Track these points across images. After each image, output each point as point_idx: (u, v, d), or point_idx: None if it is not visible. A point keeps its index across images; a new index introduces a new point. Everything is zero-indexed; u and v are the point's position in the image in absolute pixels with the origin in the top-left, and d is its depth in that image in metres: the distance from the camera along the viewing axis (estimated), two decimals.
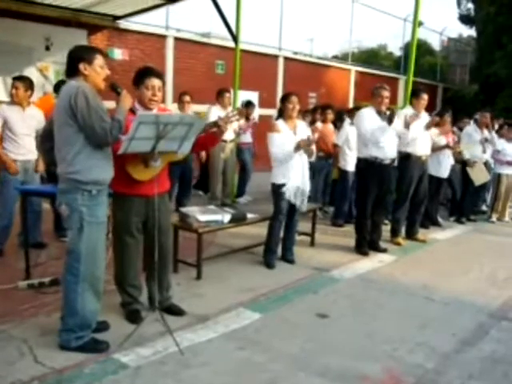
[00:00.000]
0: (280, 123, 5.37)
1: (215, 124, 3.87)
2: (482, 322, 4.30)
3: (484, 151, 8.36)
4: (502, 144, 8.48)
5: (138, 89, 3.69)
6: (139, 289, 4.02)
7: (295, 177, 5.34)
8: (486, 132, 8.43)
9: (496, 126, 9.33)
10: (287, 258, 5.69)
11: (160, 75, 3.77)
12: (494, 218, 8.63)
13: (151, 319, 3.74)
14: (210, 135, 3.92)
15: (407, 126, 6.10)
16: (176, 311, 4.08)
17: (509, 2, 20.07)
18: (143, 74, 3.71)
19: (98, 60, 3.34)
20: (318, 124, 8.08)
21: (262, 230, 5.79)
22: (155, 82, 3.69)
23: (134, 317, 3.88)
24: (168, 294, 4.11)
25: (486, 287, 5.24)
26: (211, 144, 4.02)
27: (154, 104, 3.72)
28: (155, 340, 3.59)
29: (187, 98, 7.72)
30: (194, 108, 8.23)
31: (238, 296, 4.58)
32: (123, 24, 11.23)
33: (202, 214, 5.15)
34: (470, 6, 26.37)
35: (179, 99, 7.82)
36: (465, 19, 26.78)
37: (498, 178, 8.57)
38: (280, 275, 5.25)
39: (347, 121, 7.70)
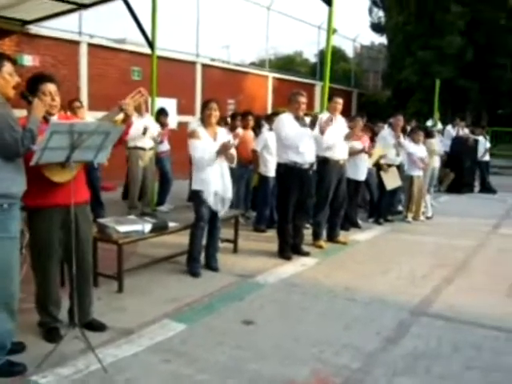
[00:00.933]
0: (200, 130, 5.32)
1: (121, 110, 3.73)
2: (403, 320, 4.43)
3: (398, 154, 8.66)
4: (411, 147, 8.81)
5: (33, 97, 3.39)
6: (59, 306, 3.84)
7: (215, 183, 5.31)
8: (401, 135, 8.73)
9: (408, 130, 9.70)
10: (211, 265, 5.63)
11: (54, 80, 3.59)
12: (410, 217, 8.95)
13: (71, 336, 3.57)
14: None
15: (322, 132, 6.21)
16: (97, 326, 3.92)
17: (416, 12, 21.04)
18: (37, 81, 3.51)
19: (7, 67, 3.15)
20: (239, 130, 8.08)
21: (184, 239, 5.69)
22: (51, 87, 3.52)
23: (52, 335, 3.70)
24: (89, 309, 3.95)
25: (405, 285, 5.41)
26: (125, 133, 3.82)
27: (55, 109, 3.55)
28: (76, 358, 3.43)
29: (77, 104, 7.37)
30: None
31: (162, 307, 4.47)
32: (33, 29, 10.78)
33: (121, 224, 5.00)
34: (381, 14, 27.48)
35: (69, 106, 7.34)
36: (376, 27, 27.89)
37: (410, 180, 8.89)
38: (204, 284, 5.18)
39: (265, 127, 7.74)
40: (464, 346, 3.95)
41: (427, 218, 9.28)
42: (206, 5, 15.68)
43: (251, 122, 8.19)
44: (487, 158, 13.87)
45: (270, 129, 7.40)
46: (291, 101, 6.18)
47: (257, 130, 8.04)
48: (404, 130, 9.16)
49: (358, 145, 7.74)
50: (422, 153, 8.92)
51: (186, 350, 3.68)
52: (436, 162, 10.13)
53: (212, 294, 4.89)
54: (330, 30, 7.09)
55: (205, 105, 5.43)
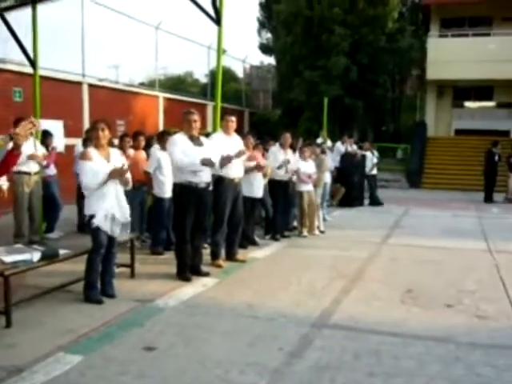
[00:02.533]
0: (92, 151, 5.11)
1: (11, 138, 3.51)
2: (305, 333, 4.46)
3: (286, 171, 8.78)
4: (300, 164, 9.03)
5: None
6: None
7: (110, 206, 5.11)
8: (289, 152, 8.91)
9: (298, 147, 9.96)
10: (107, 292, 5.37)
11: None
12: (305, 232, 9.14)
13: None
14: (8, 154, 3.57)
15: (221, 166, 6.27)
16: None
17: (302, 34, 21.82)
18: None
19: None
20: (130, 151, 7.87)
21: (78, 266, 5.41)
22: None
23: None
24: None
25: (305, 299, 5.47)
26: (12, 163, 3.61)
27: None
28: None
29: None
30: None
31: (57, 340, 4.19)
32: None
33: (7, 254, 4.67)
34: (269, 35, 28.26)
35: None
36: (265, 48, 28.65)
37: (300, 196, 9.09)
38: (101, 312, 4.93)
39: (156, 147, 7.57)
40: (365, 353, 4.04)
41: (321, 232, 9.51)
42: (92, 23, 15.27)
43: (142, 143, 7.99)
44: (375, 172, 14.56)
45: (162, 148, 7.25)
46: (184, 120, 6.11)
47: (147, 150, 7.85)
48: (293, 148, 9.36)
49: (251, 163, 7.77)
50: (310, 169, 9.17)
51: (86, 383, 3.46)
52: (327, 178, 10.46)
53: (110, 321, 4.66)
54: (220, 49, 7.14)
55: (93, 126, 5.27)
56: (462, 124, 24.49)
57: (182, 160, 5.90)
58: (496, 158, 15.81)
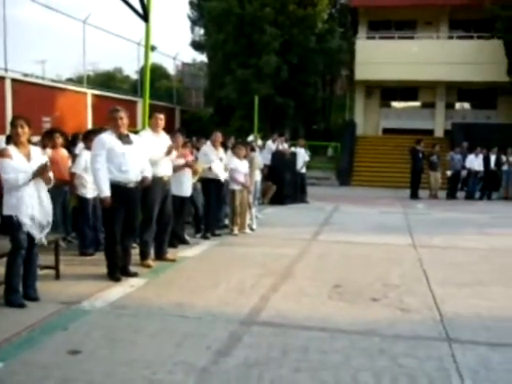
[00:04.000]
0: (11, 149, 4.92)
1: None
2: (234, 331, 4.47)
3: (226, 169, 8.76)
4: (234, 162, 9.05)
5: None
6: None
7: (31, 206, 4.94)
8: (221, 151, 8.91)
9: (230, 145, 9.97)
10: (30, 295, 5.17)
11: None
12: (236, 230, 9.15)
13: None
14: None
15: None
16: None
17: (234, 32, 21.84)
18: None
19: None
20: (48, 150, 7.55)
21: None
22: None
23: None
24: None
25: (235, 297, 5.48)
26: None
27: None
28: None
29: None
30: None
31: None
32: None
33: None
34: (202, 32, 28.11)
35: None
36: (197, 45, 28.46)
37: (232, 194, 9.11)
38: (24, 316, 4.75)
39: (81, 145, 7.34)
40: (293, 349, 4.09)
41: (252, 229, 9.56)
42: (15, 17, 14.74)
43: (59, 140, 7.68)
44: (304, 170, 14.78)
45: (87, 148, 7.06)
46: (110, 118, 5.99)
47: (72, 148, 7.60)
48: (225, 146, 9.35)
49: (180, 161, 7.71)
50: (244, 168, 9.20)
51: None
52: (258, 176, 10.53)
53: (33, 326, 4.49)
54: (148, 46, 7.05)
55: (11, 123, 5.06)
56: (390, 123, 25.35)
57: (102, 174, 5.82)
58: (420, 155, 16.42)
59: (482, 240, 9.27)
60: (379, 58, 22.84)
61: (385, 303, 5.40)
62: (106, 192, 5.81)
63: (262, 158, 11.92)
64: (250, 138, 14.88)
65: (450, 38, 24.55)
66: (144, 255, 6.77)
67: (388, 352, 4.11)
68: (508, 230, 10.52)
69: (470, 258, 7.68)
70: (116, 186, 5.88)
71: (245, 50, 21.63)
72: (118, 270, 6.05)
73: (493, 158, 16.88)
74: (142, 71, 19.46)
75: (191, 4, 28.97)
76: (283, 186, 13.71)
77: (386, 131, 25.37)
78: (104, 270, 6.08)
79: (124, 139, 5.95)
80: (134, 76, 26.36)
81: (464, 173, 16.82)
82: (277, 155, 13.94)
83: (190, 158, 8.24)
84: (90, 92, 17.47)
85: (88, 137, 7.15)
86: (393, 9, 23.99)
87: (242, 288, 5.81)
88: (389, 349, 4.17)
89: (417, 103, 26.59)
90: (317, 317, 4.90)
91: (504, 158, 16.82)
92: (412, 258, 7.59)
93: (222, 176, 8.68)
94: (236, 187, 9.08)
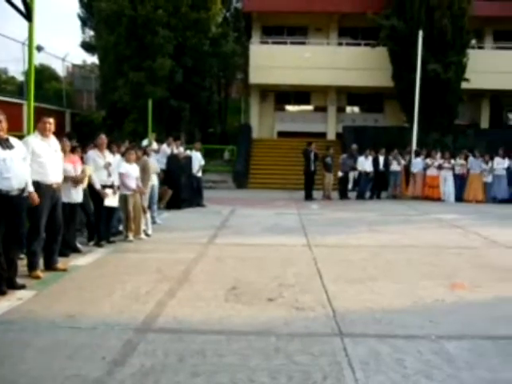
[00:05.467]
0: None
1: None
2: (129, 339, 4.37)
3: (109, 175, 8.51)
4: (124, 167, 8.85)
5: None
6: None
7: None
8: (108, 154, 8.64)
9: (123, 150, 9.75)
10: None
11: None
12: (131, 236, 8.94)
13: None
14: None
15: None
16: None
17: (126, 34, 21.38)
18: None
19: None
20: None
21: None
22: None
23: None
24: None
25: (129, 304, 5.35)
26: None
27: None
28: None
29: None
30: None
31: None
32: None
33: None
34: (92, 33, 27.26)
35: None
36: (87, 46, 27.56)
37: (124, 199, 8.89)
38: None
39: None
40: (189, 354, 4.06)
41: (147, 235, 9.39)
42: None
43: None
44: (200, 173, 14.77)
45: None
46: None
47: None
48: (113, 149, 9.11)
49: (68, 167, 7.40)
50: (135, 172, 9.03)
51: None
52: (155, 180, 10.38)
53: None
54: (32, 46, 6.73)
55: None
56: (284, 126, 25.98)
57: None
58: (312, 156, 16.94)
59: (372, 237, 9.74)
60: (273, 62, 23.32)
61: (280, 302, 5.51)
62: None
63: (157, 162, 11.74)
64: (145, 142, 14.63)
65: (340, 44, 25.58)
66: (32, 266, 6.43)
67: (284, 350, 4.19)
68: (395, 227, 11.12)
69: (361, 255, 8.02)
70: None
71: (138, 52, 21.26)
72: (2, 283, 5.69)
73: (381, 159, 17.78)
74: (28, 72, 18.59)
75: (81, 3, 28.05)
76: (179, 190, 13.61)
77: (280, 134, 25.95)
78: None
79: (3, 144, 5.62)
80: (21, 77, 25.11)
81: (355, 174, 17.61)
82: (172, 159, 13.82)
83: (79, 165, 7.87)
84: None
85: None
86: (285, 14, 24.59)
87: (137, 295, 5.68)
88: (284, 347, 4.25)
89: (310, 107, 27.44)
90: (213, 320, 4.90)
91: (391, 158, 17.81)
92: (307, 258, 7.80)
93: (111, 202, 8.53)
94: (127, 192, 8.87)
